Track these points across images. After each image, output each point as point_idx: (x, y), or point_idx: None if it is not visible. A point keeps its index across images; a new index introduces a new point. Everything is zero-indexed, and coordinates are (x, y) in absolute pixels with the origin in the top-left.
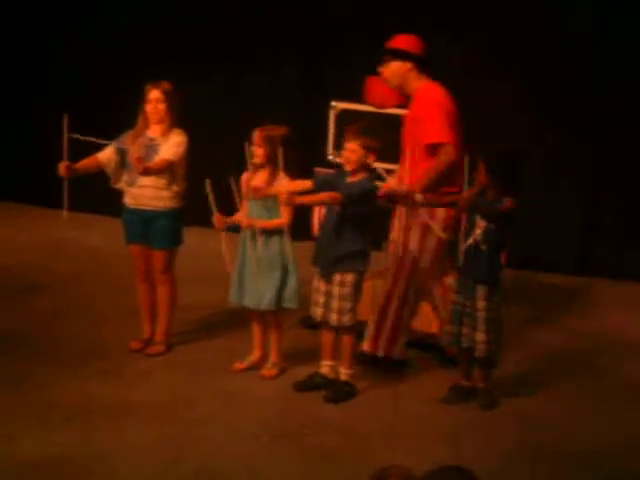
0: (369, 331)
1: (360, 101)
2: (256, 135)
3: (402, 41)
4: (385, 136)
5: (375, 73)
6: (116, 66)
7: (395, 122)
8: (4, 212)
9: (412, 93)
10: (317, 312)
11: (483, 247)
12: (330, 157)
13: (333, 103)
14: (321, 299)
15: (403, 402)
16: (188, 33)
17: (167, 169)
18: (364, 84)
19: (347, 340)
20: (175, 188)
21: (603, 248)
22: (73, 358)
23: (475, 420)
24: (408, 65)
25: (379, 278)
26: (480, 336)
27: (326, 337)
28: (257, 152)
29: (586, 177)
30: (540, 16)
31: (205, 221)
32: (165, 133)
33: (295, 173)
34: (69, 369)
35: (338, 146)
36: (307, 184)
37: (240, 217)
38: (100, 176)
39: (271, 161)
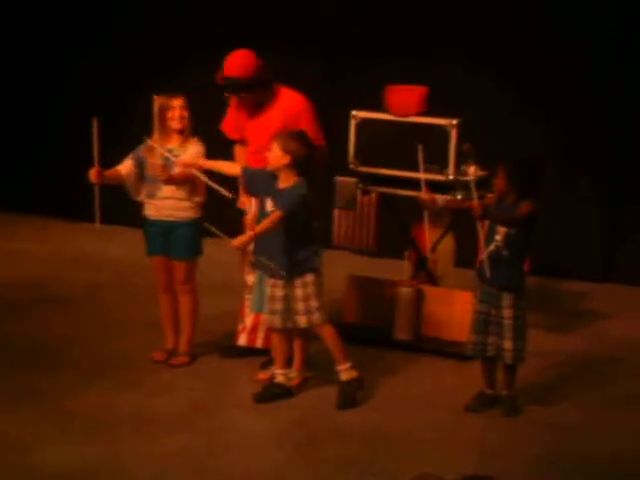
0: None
1: (381, 110)
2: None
3: (250, 69)
4: (407, 145)
5: (396, 82)
6: (133, 72)
7: (416, 130)
8: (25, 225)
9: (263, 100)
10: (276, 320)
11: (505, 253)
12: (351, 166)
13: (354, 112)
14: (279, 306)
15: (426, 410)
16: (203, 38)
17: (188, 179)
18: (385, 93)
19: (328, 335)
20: (196, 199)
21: (626, 254)
22: (95, 369)
23: (499, 428)
24: (262, 89)
25: (403, 286)
26: (507, 344)
27: (280, 344)
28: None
29: (607, 182)
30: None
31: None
32: (182, 143)
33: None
34: (91, 380)
35: (359, 155)
36: (235, 169)
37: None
38: (119, 186)
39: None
